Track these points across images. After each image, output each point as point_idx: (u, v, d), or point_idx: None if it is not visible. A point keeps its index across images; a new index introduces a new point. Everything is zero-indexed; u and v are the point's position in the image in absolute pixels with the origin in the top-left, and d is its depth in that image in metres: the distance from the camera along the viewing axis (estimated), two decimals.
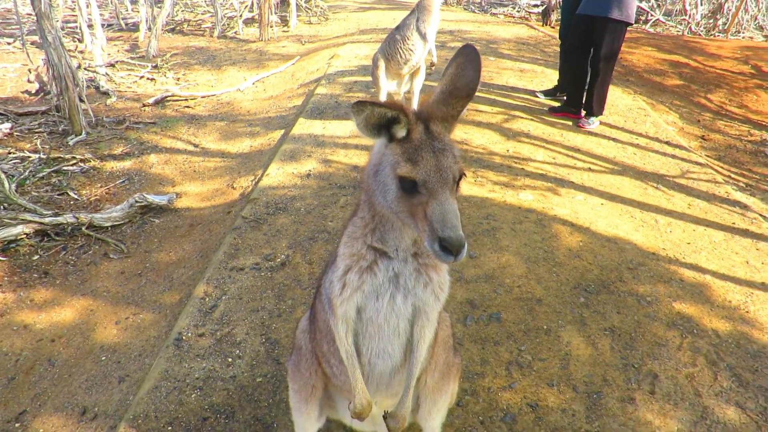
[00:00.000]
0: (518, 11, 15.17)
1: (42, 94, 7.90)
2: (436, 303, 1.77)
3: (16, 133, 6.42)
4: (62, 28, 10.14)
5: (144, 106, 7.77)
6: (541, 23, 13.16)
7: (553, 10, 12.87)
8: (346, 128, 6.06)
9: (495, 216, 4.33)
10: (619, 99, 7.28)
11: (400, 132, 1.53)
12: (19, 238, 4.30)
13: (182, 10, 15.09)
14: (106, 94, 8.13)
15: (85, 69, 8.59)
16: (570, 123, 6.33)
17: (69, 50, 7.46)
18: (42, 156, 5.77)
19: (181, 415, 2.72)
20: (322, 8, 15.17)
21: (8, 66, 9.34)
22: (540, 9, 14.56)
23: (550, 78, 7.84)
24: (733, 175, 5.64)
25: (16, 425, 2.90)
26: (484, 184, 4.81)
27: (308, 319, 2.15)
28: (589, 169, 5.22)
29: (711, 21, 14.02)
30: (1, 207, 4.56)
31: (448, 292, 1.80)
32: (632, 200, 4.71)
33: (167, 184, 5.54)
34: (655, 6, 15.29)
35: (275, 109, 7.48)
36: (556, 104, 6.83)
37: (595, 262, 3.84)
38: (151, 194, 4.91)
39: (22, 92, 8.02)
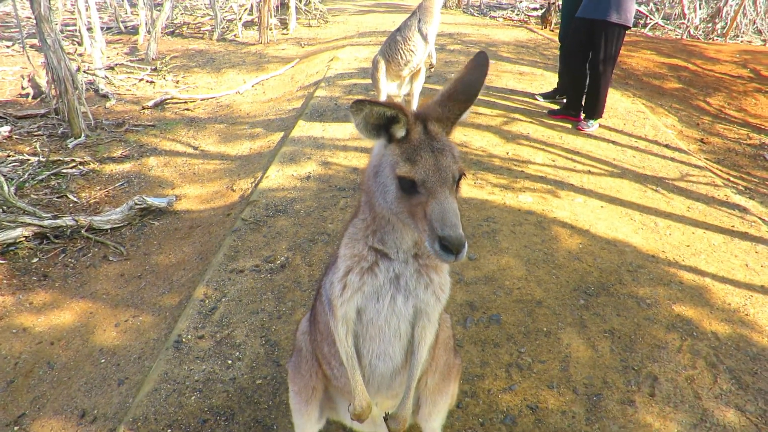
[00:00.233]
0: (517, 14, 15.22)
1: (37, 98, 7.89)
2: (437, 304, 1.77)
3: (15, 136, 6.43)
4: (61, 31, 10.16)
5: (143, 108, 7.78)
6: (540, 26, 13.20)
7: (552, 14, 12.90)
8: (345, 130, 6.06)
9: (495, 218, 4.33)
10: (618, 102, 7.29)
11: (399, 132, 1.53)
12: (18, 240, 4.29)
13: (181, 13, 15.12)
14: (105, 96, 8.14)
15: (84, 72, 8.61)
16: (569, 126, 6.34)
17: (68, 53, 7.47)
18: (41, 159, 5.77)
19: (180, 417, 2.71)
20: (321, 11, 15.21)
21: (7, 69, 9.33)
22: (539, 12, 14.61)
23: (550, 81, 7.86)
24: (732, 179, 5.65)
25: (15, 428, 2.89)
26: (483, 187, 4.82)
27: (309, 321, 2.15)
28: (589, 172, 5.22)
29: (710, 25, 14.07)
30: (1, 210, 4.56)
31: (449, 294, 1.80)
32: (632, 203, 4.72)
33: (167, 186, 5.54)
34: (654, 10, 15.34)
35: (275, 112, 7.48)
36: (556, 107, 6.84)
37: (594, 265, 3.84)
38: (151, 197, 4.91)
39: (21, 95, 8.02)
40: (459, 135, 5.88)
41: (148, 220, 4.80)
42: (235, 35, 12.85)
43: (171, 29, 13.28)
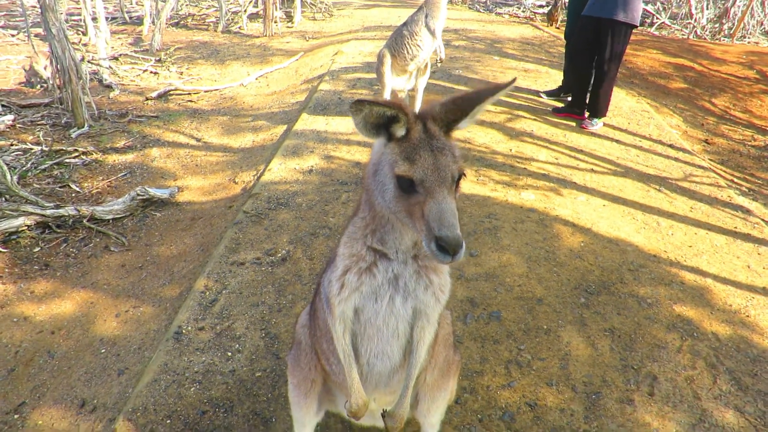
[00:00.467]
0: (523, 11, 15.15)
1: (36, 86, 7.89)
2: (436, 305, 1.76)
3: (18, 125, 6.42)
4: (66, 21, 10.15)
5: (147, 99, 7.77)
6: (546, 23, 13.14)
7: (558, 11, 12.84)
8: (348, 125, 6.05)
9: (497, 215, 4.32)
10: (623, 101, 7.27)
11: (399, 131, 1.53)
12: (20, 230, 4.30)
13: (186, 4, 15.09)
14: (109, 87, 8.13)
15: (88, 62, 8.59)
16: (573, 124, 6.32)
17: (73, 43, 7.46)
18: (44, 148, 5.77)
19: (180, 408, 2.72)
20: (326, 4, 15.17)
21: (12, 58, 9.33)
22: (545, 9, 14.55)
23: (554, 78, 7.83)
24: (735, 180, 5.63)
25: (15, 416, 2.90)
26: (486, 183, 4.81)
27: (308, 314, 2.15)
28: (592, 170, 5.21)
29: (717, 25, 14.00)
30: (3, 199, 4.56)
31: (449, 294, 1.79)
32: (634, 202, 4.71)
33: (169, 177, 5.54)
34: (661, 9, 15.27)
35: (278, 105, 7.47)
36: (560, 105, 6.82)
37: (596, 263, 3.84)
38: (153, 188, 4.91)
39: (25, 84, 8.02)
40: (463, 131, 5.86)
41: (150, 211, 4.81)
42: (239, 27, 12.82)
43: (176, 20, 13.25)
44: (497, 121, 6.21)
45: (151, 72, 9.17)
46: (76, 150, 5.83)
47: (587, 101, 6.34)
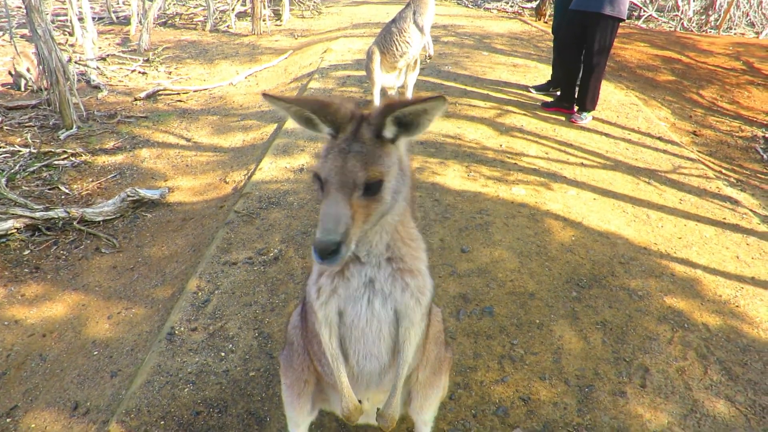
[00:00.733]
0: (511, 6, 15.16)
1: (19, 86, 7.83)
2: (417, 307, 1.74)
3: (5, 127, 6.37)
4: (52, 22, 10.05)
5: (136, 100, 7.72)
6: (534, 18, 13.17)
7: (545, 5, 12.86)
8: None
9: (488, 210, 4.34)
10: (611, 94, 7.30)
11: (325, 129, 1.51)
12: (9, 232, 4.27)
13: (174, 4, 14.99)
14: (97, 87, 8.08)
15: (75, 63, 8.53)
16: (563, 118, 6.35)
17: (59, 44, 7.39)
18: (32, 150, 5.72)
19: (173, 409, 2.71)
20: (315, 2, 15.13)
21: None
22: (533, 4, 14.57)
23: (543, 73, 7.85)
24: (724, 171, 5.67)
25: (8, 420, 2.89)
26: (477, 179, 4.82)
27: (299, 315, 2.15)
28: (582, 164, 5.23)
29: (703, 17, 14.09)
30: None
31: (430, 296, 1.77)
32: (624, 195, 4.73)
33: (159, 178, 5.51)
34: (648, 2, 15.33)
35: (268, 104, 7.43)
36: (549, 99, 6.84)
37: (587, 257, 3.86)
38: (143, 188, 4.89)
39: (12, 86, 7.95)
40: (452, 127, 5.89)
41: (140, 212, 4.78)
42: (228, 26, 12.76)
43: (163, 20, 13.17)
44: (487, 117, 6.23)
45: (140, 72, 9.11)
46: (64, 151, 5.80)
47: (576, 95, 6.37)
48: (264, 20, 12.37)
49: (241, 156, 5.83)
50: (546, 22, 12.51)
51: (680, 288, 3.63)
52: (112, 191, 5.18)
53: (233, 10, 13.06)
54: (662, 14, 14.82)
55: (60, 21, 11.89)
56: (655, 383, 2.89)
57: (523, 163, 5.17)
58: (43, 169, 5.45)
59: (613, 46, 6.14)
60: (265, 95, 1.50)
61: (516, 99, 6.89)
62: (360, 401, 1.97)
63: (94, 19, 11.07)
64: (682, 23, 13.77)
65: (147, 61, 9.71)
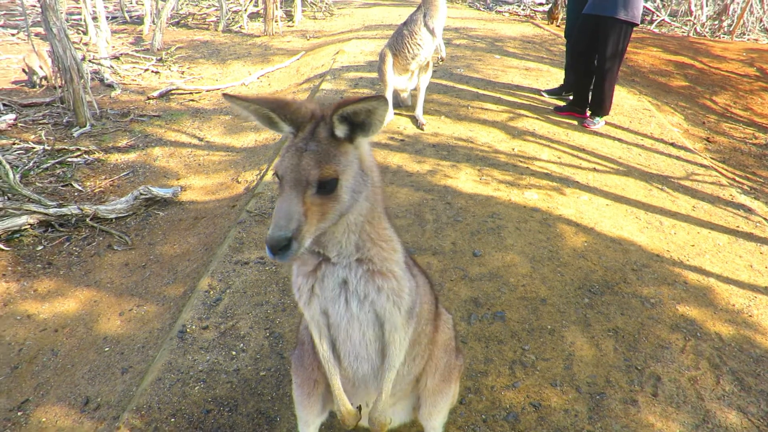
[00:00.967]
0: (523, 9, 15.15)
1: (32, 82, 7.89)
2: (395, 310, 1.71)
3: (20, 124, 6.43)
4: (66, 20, 10.14)
5: (149, 98, 7.77)
6: (546, 22, 13.14)
7: (558, 9, 12.83)
8: None
9: (500, 214, 4.32)
10: (624, 99, 7.27)
11: (284, 128, 1.53)
12: (23, 228, 4.30)
13: (187, 4, 15.09)
14: (110, 86, 8.13)
15: (89, 61, 8.60)
16: (575, 122, 6.32)
17: (73, 42, 7.45)
18: (46, 147, 5.77)
19: (184, 407, 2.72)
20: (327, 4, 15.17)
21: (12, 57, 9.34)
22: (545, 7, 14.54)
23: (556, 77, 7.83)
24: (737, 178, 5.63)
25: (19, 414, 2.91)
26: (489, 183, 4.81)
27: None
28: (594, 170, 5.21)
29: (716, 22, 14.01)
30: (6, 197, 4.56)
31: (410, 300, 1.74)
32: (637, 201, 4.71)
33: (172, 177, 5.54)
34: (661, 6, 15.27)
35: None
36: (562, 103, 6.82)
37: (599, 263, 3.84)
38: (156, 187, 4.91)
39: (26, 83, 8.02)
40: (465, 130, 5.88)
41: (153, 211, 4.81)
42: (240, 27, 12.82)
43: (176, 20, 13.25)
44: (499, 120, 6.21)
45: (153, 71, 9.17)
46: (78, 149, 5.84)
47: (589, 100, 6.34)
48: (276, 21, 12.42)
49: (253, 156, 5.85)
50: (558, 26, 12.48)
51: (693, 296, 3.60)
52: (124, 189, 5.21)
53: (246, 10, 13.11)
54: (675, 19, 14.75)
55: (74, 20, 11.99)
56: (666, 392, 2.87)
57: (536, 167, 5.16)
58: (57, 166, 5.49)
59: (626, 50, 6.10)
60: (224, 95, 1.51)
61: (528, 103, 6.87)
62: (360, 406, 1.97)
63: (107, 18, 11.16)
64: (695, 28, 13.69)
65: (160, 60, 9.76)
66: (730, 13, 13.74)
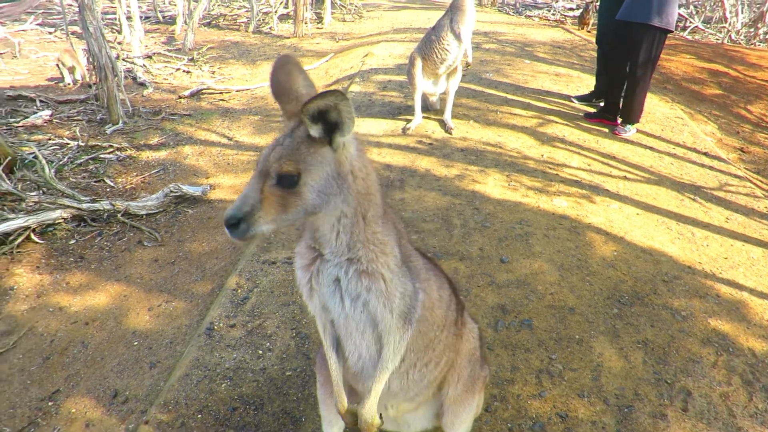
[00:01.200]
0: (553, 14, 15.02)
1: (57, 82, 8.08)
2: (386, 312, 1.70)
3: (55, 120, 6.59)
4: (102, 20, 10.36)
5: (180, 97, 7.90)
6: (577, 27, 13.00)
7: (589, 14, 12.69)
8: (379, 127, 6.07)
9: (528, 221, 4.28)
10: (656, 107, 7.14)
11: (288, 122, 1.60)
12: (57, 222, 4.40)
13: (218, 5, 15.30)
14: (142, 85, 8.29)
15: (123, 60, 8.77)
16: (606, 130, 6.23)
17: (108, 41, 7.61)
18: (80, 143, 5.90)
19: (211, 403, 2.75)
20: (356, 6, 15.24)
21: (49, 55, 9.57)
22: (576, 12, 14.40)
23: (586, 83, 7.74)
24: None
25: (50, 404, 2.97)
26: (517, 189, 4.77)
27: None
28: (625, 178, 5.13)
29: (752, 30, 13.69)
30: (41, 191, 4.68)
31: (402, 303, 1.72)
32: (668, 211, 4.62)
33: (201, 175, 5.61)
34: (694, 13, 14.99)
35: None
36: (592, 110, 6.73)
37: (629, 273, 3.78)
38: (186, 185, 4.98)
39: (58, 81, 8.22)
40: (493, 135, 5.85)
41: (182, 208, 4.87)
42: (270, 28, 12.95)
43: (208, 20, 13.45)
44: (528, 126, 6.16)
45: (184, 71, 9.31)
46: (110, 146, 5.96)
47: (620, 107, 6.25)
48: (306, 23, 12.51)
49: None
50: (589, 31, 12.33)
51: (725, 310, 3.52)
52: (155, 186, 5.29)
53: (276, 12, 13.25)
54: (709, 26, 14.47)
55: (109, 19, 12.24)
56: (697, 408, 2.81)
57: (565, 174, 5.10)
58: (90, 162, 5.60)
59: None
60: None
61: (558, 109, 6.80)
62: (380, 413, 1.96)
63: (141, 18, 11.37)
64: (730, 35, 13.41)
65: (191, 60, 9.91)
66: (766, 20, 13.42)
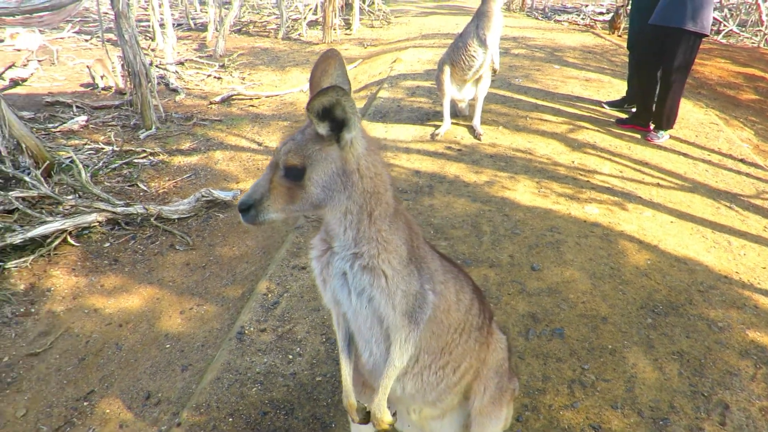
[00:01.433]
0: (583, 18, 14.85)
1: (92, 88, 8.28)
2: (389, 308, 1.70)
3: (91, 126, 6.75)
4: (136, 27, 10.59)
5: (211, 103, 8.03)
6: (607, 31, 12.83)
7: (620, 18, 12.51)
8: (408, 132, 6.07)
9: (559, 228, 4.23)
10: (690, 113, 7.00)
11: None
12: (92, 225, 4.51)
13: (248, 12, 15.52)
14: (175, 91, 8.44)
15: (156, 66, 8.95)
16: (638, 136, 6.12)
17: (142, 48, 7.79)
18: (115, 148, 6.03)
19: (241, 407, 2.77)
20: (384, 12, 15.30)
21: (85, 62, 9.80)
22: (606, 17, 14.21)
23: (617, 88, 7.63)
24: None
25: (85, 404, 3.03)
26: (548, 195, 4.72)
27: None
28: (658, 185, 5.03)
29: None
30: (77, 195, 4.79)
31: (405, 301, 1.70)
32: (703, 219, 4.52)
33: (231, 180, 5.68)
34: (729, 16, 14.65)
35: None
36: (624, 116, 6.63)
37: (663, 282, 3.70)
38: (217, 189, 5.05)
39: (92, 87, 8.43)
40: (523, 141, 5.80)
41: (213, 212, 4.94)
42: (299, 34, 13.08)
43: (238, 27, 13.65)
44: (559, 132, 6.09)
45: (215, 77, 9.47)
46: (144, 151, 6.08)
47: (653, 113, 6.14)
48: (334, 29, 12.61)
49: None
50: (620, 36, 12.17)
51: (764, 321, 3.42)
52: (186, 191, 5.38)
53: (305, 19, 13.38)
54: (744, 29, 14.12)
55: (142, 26, 12.51)
56: (735, 422, 2.73)
57: (596, 181, 5.02)
58: (124, 166, 5.73)
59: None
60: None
61: (589, 114, 6.71)
62: (394, 412, 1.95)
63: (173, 25, 11.59)
64: (766, 38, 13.07)
65: (222, 66, 10.07)
66: None
